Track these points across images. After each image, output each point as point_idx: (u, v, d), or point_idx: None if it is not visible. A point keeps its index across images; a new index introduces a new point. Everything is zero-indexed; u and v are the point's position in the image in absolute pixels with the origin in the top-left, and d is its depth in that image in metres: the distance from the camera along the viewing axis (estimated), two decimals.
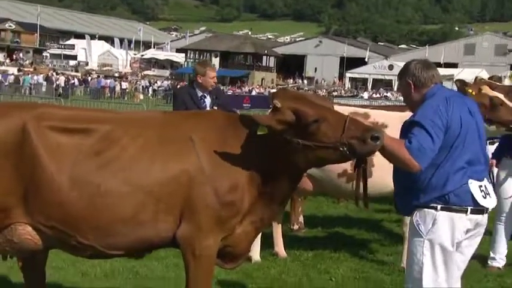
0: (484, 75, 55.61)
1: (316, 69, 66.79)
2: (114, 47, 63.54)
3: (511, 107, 5.00)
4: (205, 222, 3.03)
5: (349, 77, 60.53)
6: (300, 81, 65.08)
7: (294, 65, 69.54)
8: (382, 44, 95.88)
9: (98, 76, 43.71)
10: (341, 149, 2.91)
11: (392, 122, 5.11)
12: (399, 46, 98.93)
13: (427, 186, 3.12)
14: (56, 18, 78.22)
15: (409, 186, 3.19)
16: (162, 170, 3.02)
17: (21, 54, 60.59)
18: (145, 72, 57.24)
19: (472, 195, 3.12)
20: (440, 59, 59.55)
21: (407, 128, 3.14)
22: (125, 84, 41.03)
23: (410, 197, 3.19)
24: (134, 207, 2.98)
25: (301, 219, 6.79)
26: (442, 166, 3.11)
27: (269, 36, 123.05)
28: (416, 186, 3.15)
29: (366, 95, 45.28)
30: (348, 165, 4.85)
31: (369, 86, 56.69)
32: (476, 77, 7.05)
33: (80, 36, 66.04)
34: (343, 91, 52.47)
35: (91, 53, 59.17)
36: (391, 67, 56.16)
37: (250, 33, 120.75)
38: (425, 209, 3.14)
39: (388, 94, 47.41)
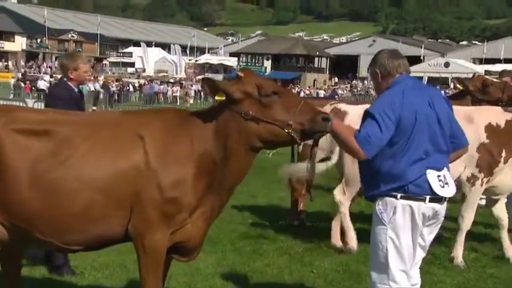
0: None
1: (368, 69, 65.70)
2: (170, 53, 65.28)
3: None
4: (151, 217, 3.13)
5: None
6: (354, 81, 64.30)
7: (347, 66, 68.77)
8: (439, 41, 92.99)
9: (151, 81, 45.04)
10: (286, 131, 3.05)
11: (458, 115, 5.37)
12: (460, 43, 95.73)
13: (387, 177, 3.26)
14: (116, 28, 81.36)
15: (372, 176, 3.35)
16: (111, 167, 3.15)
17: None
18: (199, 77, 58.41)
19: (430, 184, 3.23)
20: (499, 55, 57.23)
21: (363, 118, 3.31)
22: (177, 89, 42.13)
23: (373, 186, 3.35)
24: (85, 203, 3.13)
25: (303, 215, 6.94)
26: (400, 157, 3.24)
27: (324, 37, 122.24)
28: (377, 176, 3.30)
29: None
30: None
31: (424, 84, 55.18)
32: (474, 74, 7.01)
33: (138, 44, 68.32)
34: None
35: (147, 59, 61.08)
36: (447, 65, 54.56)
37: (304, 34, 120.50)
38: (387, 198, 3.29)
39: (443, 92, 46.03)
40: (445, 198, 3.29)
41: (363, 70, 68.54)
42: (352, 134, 3.22)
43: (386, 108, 3.22)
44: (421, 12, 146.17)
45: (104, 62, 64.71)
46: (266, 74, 62.70)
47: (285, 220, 7.01)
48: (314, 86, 56.02)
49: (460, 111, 5.49)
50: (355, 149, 3.20)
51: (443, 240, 6.00)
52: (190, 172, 3.17)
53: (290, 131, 3.05)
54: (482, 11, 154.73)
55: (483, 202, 8.05)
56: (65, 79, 4.83)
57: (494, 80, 6.57)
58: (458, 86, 6.99)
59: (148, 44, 66.66)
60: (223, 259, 5.39)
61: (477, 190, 5.28)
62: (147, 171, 3.13)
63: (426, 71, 56.16)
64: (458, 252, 5.37)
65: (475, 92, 6.52)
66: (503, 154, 5.22)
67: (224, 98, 3.13)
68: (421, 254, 3.41)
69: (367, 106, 3.47)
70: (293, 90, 49.66)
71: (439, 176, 3.26)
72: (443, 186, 3.25)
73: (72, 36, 66.31)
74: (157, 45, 70.61)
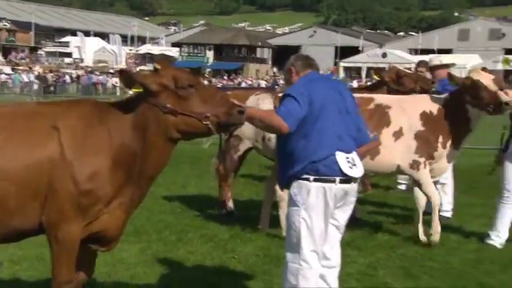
0: (477, 60, 54.73)
1: None
2: (109, 43, 63.80)
3: (490, 90, 5.22)
4: (66, 208, 3.13)
5: (343, 66, 60.48)
6: None
7: (289, 56, 69.14)
8: (377, 32, 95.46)
9: (91, 72, 44.00)
10: (204, 123, 3.12)
11: (395, 104, 5.73)
12: (398, 34, 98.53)
13: (298, 157, 3.50)
14: (52, 16, 78.55)
15: (286, 159, 3.57)
16: (25, 158, 3.13)
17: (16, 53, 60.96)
18: (141, 68, 57.42)
19: (339, 165, 3.46)
20: (434, 46, 59.46)
21: (280, 101, 3.59)
22: (117, 80, 41.32)
23: (288, 168, 3.56)
24: (1, 195, 3.11)
25: (231, 203, 7.09)
26: (309, 137, 3.49)
27: (267, 28, 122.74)
28: (292, 159, 3.53)
29: (355, 83, 45.33)
30: None
31: (363, 74, 56.61)
32: (389, 65, 7.38)
33: (76, 33, 66.32)
34: None
35: (86, 49, 59.47)
36: (384, 55, 55.97)
37: (247, 25, 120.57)
38: (300, 181, 3.50)
39: None
40: (355, 178, 3.54)
41: None
42: (271, 112, 3.56)
43: (300, 89, 3.56)
44: (361, 3, 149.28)
45: (39, 52, 62.41)
46: (209, 64, 62.53)
47: (213, 209, 7.15)
48: (256, 76, 56.34)
49: (395, 101, 5.81)
50: (279, 123, 3.44)
51: (360, 223, 6.33)
52: (107, 164, 3.17)
53: (208, 123, 3.13)
54: (419, 2, 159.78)
55: (403, 187, 8.51)
56: None
57: (408, 71, 6.96)
58: (375, 76, 7.34)
59: (87, 34, 64.84)
60: (147, 248, 5.46)
61: (424, 172, 5.53)
62: (62, 163, 3.12)
63: (365, 62, 57.64)
64: (436, 229, 5.54)
65: (390, 82, 6.89)
66: (440, 139, 5.50)
67: (141, 90, 3.17)
68: (336, 235, 3.63)
69: None
70: (235, 80, 49.85)
71: (347, 157, 3.51)
72: (351, 167, 3.50)
73: (5, 25, 63.49)
74: (96, 34, 68.79)
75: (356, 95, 6.03)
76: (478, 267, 4.98)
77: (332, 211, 3.54)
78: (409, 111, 5.62)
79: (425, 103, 5.66)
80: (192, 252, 5.43)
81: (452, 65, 8.01)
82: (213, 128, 3.16)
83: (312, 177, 3.47)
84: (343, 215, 3.62)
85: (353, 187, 3.58)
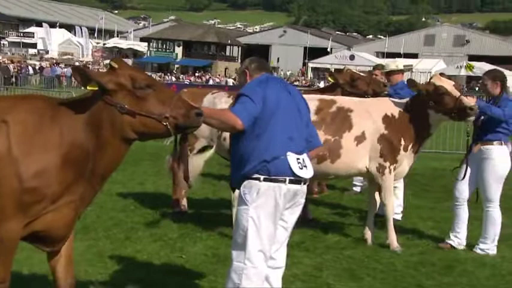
0: (441, 65, 55.93)
1: (278, 59, 67.00)
2: (75, 35, 62.64)
3: (453, 95, 5.28)
4: (7, 205, 3.03)
5: (312, 67, 60.97)
6: None
7: (258, 55, 68.74)
8: (346, 34, 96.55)
9: (57, 64, 43.08)
10: (164, 123, 3.07)
11: (357, 107, 5.71)
12: (367, 37, 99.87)
13: (250, 156, 3.49)
14: (17, 6, 76.58)
15: (239, 159, 3.56)
16: None
17: None
18: (108, 61, 56.64)
19: (290, 166, 3.47)
20: (400, 49, 60.49)
21: (234, 100, 3.59)
22: None
23: (240, 168, 3.55)
24: None
25: (184, 202, 7.06)
26: (261, 137, 3.49)
27: (238, 26, 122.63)
28: (243, 158, 3.52)
29: (322, 84, 45.77)
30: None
31: None
32: (344, 67, 7.47)
33: (41, 24, 64.84)
34: (304, 81, 52.87)
35: (51, 41, 58.25)
36: (352, 57, 56.74)
37: (217, 22, 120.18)
38: (251, 180, 3.50)
39: None
40: (304, 180, 3.57)
41: (274, 60, 69.79)
42: (226, 110, 3.55)
43: (255, 88, 3.58)
44: (332, 5, 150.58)
45: (2, 42, 60.77)
46: (177, 60, 62.08)
47: (167, 207, 7.09)
48: (225, 74, 56.24)
49: (359, 104, 5.84)
50: (233, 120, 3.43)
51: (313, 224, 6.39)
52: (56, 161, 3.08)
53: (167, 123, 3.08)
54: (388, 6, 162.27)
55: (358, 189, 8.62)
56: None
57: (362, 74, 7.06)
58: (329, 79, 7.42)
59: (52, 25, 63.45)
60: (93, 246, 5.38)
61: (388, 177, 5.59)
62: (8, 158, 3.01)
63: (332, 63, 58.20)
64: (392, 238, 5.63)
65: (345, 85, 6.97)
66: (402, 142, 5.55)
67: (96, 88, 3.08)
68: (284, 235, 3.64)
69: None
70: (204, 77, 49.64)
71: (298, 158, 3.54)
72: (301, 168, 3.53)
73: None
74: (61, 26, 67.41)
75: (315, 96, 6.13)
76: (420, 270, 5.08)
77: (282, 211, 3.56)
78: (372, 114, 5.66)
79: (388, 106, 5.71)
80: (139, 251, 5.38)
81: (409, 69, 8.14)
82: (172, 130, 3.11)
83: (262, 177, 3.48)
84: (291, 217, 3.64)
85: (302, 188, 3.60)
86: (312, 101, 5.71)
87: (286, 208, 3.58)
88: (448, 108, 5.29)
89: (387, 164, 5.57)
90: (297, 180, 3.53)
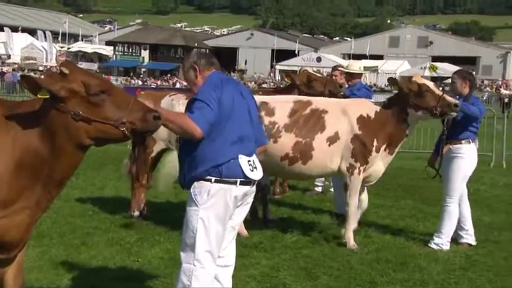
0: (406, 66, 57.07)
1: (246, 61, 67.13)
2: (38, 39, 61.40)
3: (436, 93, 5.35)
4: None
5: (279, 69, 61.26)
6: (232, 73, 65.24)
7: (226, 58, 69.47)
8: (313, 36, 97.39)
9: (20, 69, 42.17)
10: (121, 129, 2.99)
11: (332, 108, 5.73)
12: (333, 39, 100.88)
13: (203, 159, 3.47)
14: None
15: (191, 160, 3.53)
16: None
17: None
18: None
19: (241, 168, 3.48)
20: (366, 51, 61.34)
21: (190, 105, 3.51)
22: None
23: (191, 170, 3.52)
24: None
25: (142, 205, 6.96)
26: (215, 140, 3.47)
27: (206, 29, 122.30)
28: (196, 160, 3.49)
29: None
30: (289, 150, 5.58)
31: None
32: (300, 68, 7.53)
33: (3, 28, 63.36)
34: (272, 83, 53.09)
35: (12, 46, 56.97)
36: (319, 59, 57.30)
37: (185, 25, 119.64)
38: (202, 181, 3.48)
39: None
40: (254, 181, 3.60)
41: (242, 62, 69.92)
42: (184, 116, 3.44)
43: (210, 91, 3.51)
44: (299, 8, 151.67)
45: None
46: (144, 64, 61.53)
47: (126, 212, 7.00)
48: None
49: (334, 104, 5.84)
50: (193, 128, 3.38)
51: (272, 225, 6.40)
52: (8, 166, 2.98)
53: (124, 129, 3.01)
54: (354, 9, 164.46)
55: (319, 189, 8.69)
56: None
57: (318, 75, 7.13)
58: (286, 79, 7.46)
59: (14, 29, 62.06)
60: (46, 253, 5.27)
61: (356, 178, 5.62)
62: None
63: (300, 65, 58.59)
64: (349, 237, 5.65)
65: (301, 86, 7.02)
66: (375, 143, 5.59)
67: (48, 96, 2.96)
68: (231, 234, 3.67)
69: None
70: (170, 81, 49.30)
71: (249, 161, 3.56)
72: (252, 170, 3.55)
73: None
74: (24, 30, 65.97)
75: (290, 97, 6.14)
76: (375, 267, 5.14)
77: (231, 212, 3.57)
78: (347, 114, 5.68)
79: (365, 107, 5.74)
80: (94, 256, 5.29)
81: (374, 70, 8.25)
82: (129, 134, 3.04)
83: (213, 178, 3.49)
84: (239, 216, 3.68)
85: (252, 189, 3.65)
86: (288, 103, 5.76)
87: (236, 207, 3.60)
88: (431, 105, 5.39)
89: (357, 164, 5.61)
90: (247, 181, 3.55)
